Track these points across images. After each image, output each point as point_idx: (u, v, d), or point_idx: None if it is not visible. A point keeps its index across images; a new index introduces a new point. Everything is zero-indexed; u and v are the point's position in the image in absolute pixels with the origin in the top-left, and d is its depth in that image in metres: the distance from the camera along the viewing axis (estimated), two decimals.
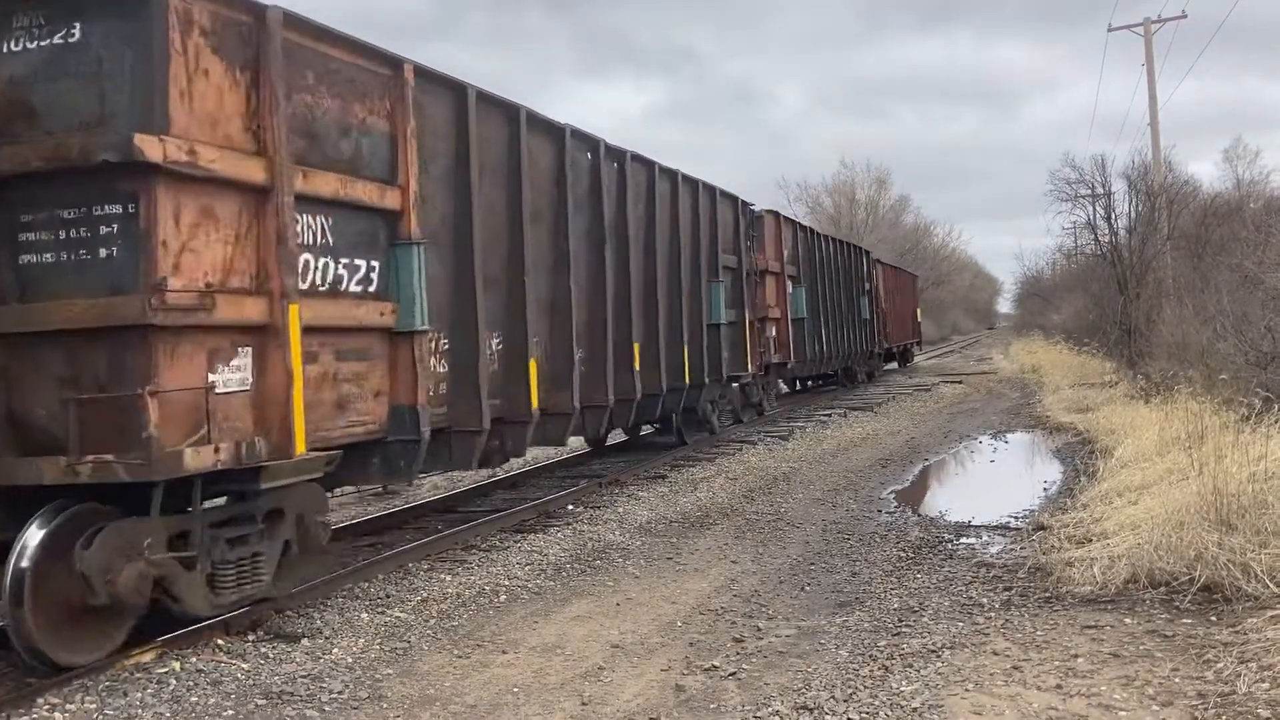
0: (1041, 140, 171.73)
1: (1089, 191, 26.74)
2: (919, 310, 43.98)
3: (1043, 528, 8.85)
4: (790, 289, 20.96)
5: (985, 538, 9.23)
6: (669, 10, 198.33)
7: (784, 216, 21.44)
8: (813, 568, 8.33)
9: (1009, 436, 17.24)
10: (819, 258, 23.69)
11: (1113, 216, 25.63)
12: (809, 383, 27.37)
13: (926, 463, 14.53)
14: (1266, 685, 5.04)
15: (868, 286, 29.34)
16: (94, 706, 5.57)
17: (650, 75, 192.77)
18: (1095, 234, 26.93)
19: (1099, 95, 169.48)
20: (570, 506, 11.34)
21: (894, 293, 35.82)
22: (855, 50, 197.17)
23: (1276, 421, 8.80)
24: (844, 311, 25.88)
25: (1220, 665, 5.42)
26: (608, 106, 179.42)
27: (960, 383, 28.72)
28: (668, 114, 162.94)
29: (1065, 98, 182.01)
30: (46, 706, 5.54)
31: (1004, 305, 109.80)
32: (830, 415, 20.79)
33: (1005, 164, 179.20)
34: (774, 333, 19.60)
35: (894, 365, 37.41)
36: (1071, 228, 34.09)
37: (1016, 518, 10.04)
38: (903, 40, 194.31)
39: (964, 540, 9.14)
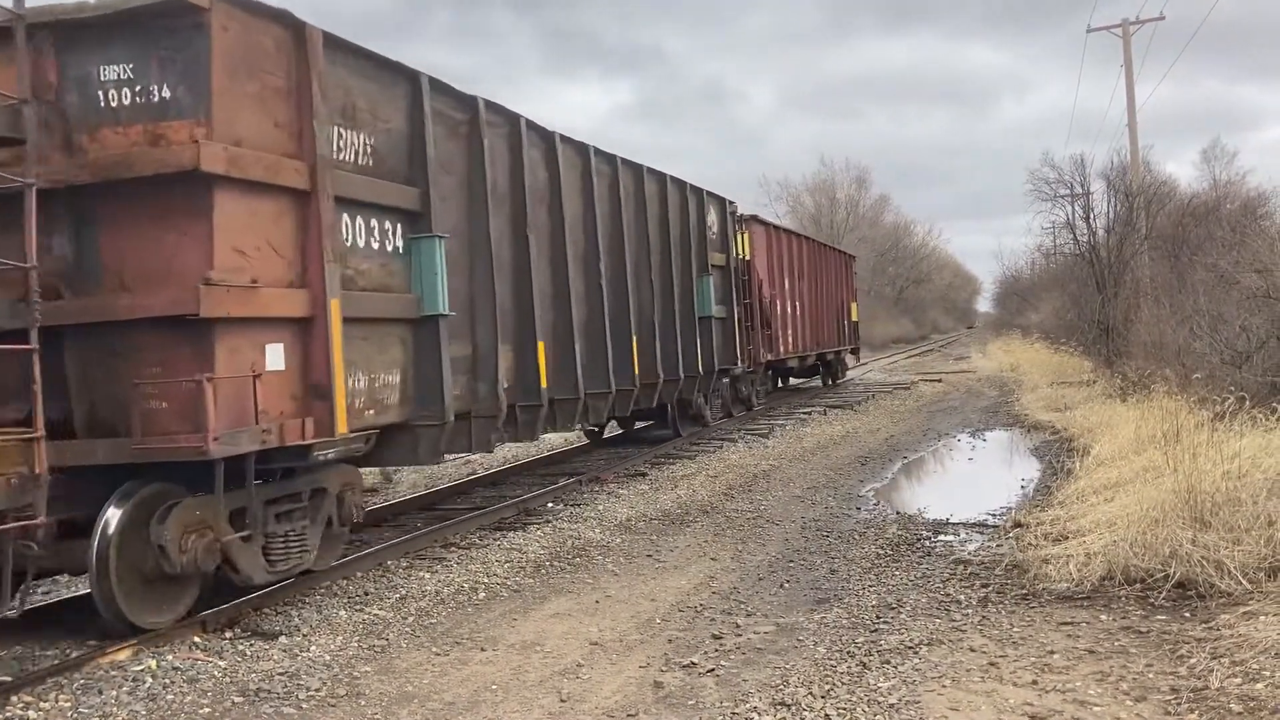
0: (1014, 141, 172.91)
1: (1068, 191, 26.93)
2: (854, 306, 30.25)
3: (1020, 525, 8.90)
4: (377, 238, 8.46)
5: (963, 535, 9.28)
6: (635, 9, 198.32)
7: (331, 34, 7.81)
8: (791, 565, 8.35)
9: (987, 435, 17.33)
10: (541, 180, 11.37)
11: (1091, 216, 25.78)
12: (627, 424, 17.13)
13: (906, 460, 14.59)
14: (1239, 680, 5.08)
15: (721, 260, 17.34)
16: (68, 704, 5.53)
17: (617, 75, 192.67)
18: (1074, 234, 27.09)
19: (1077, 96, 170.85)
20: (550, 504, 11.33)
21: (799, 276, 23.14)
22: (824, 50, 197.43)
23: (1250, 420, 8.88)
24: (650, 303, 14.11)
25: (1194, 661, 5.47)
26: (576, 106, 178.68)
27: (939, 381, 28.83)
28: (636, 113, 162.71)
29: (1036, 99, 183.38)
30: (20, 705, 5.51)
31: (983, 304, 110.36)
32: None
33: (977, 165, 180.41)
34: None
35: (816, 382, 27.99)
36: (1051, 227, 34.37)
37: (994, 515, 10.09)
38: (870, 41, 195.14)
39: (942, 538, 9.18)
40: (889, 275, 70.67)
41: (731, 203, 18.47)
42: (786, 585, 7.72)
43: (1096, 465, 10.35)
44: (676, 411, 16.45)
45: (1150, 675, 5.36)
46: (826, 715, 5.04)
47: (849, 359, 30.63)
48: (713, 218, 17.18)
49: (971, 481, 13.15)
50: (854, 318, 29.82)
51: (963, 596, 7.09)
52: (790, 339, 22.36)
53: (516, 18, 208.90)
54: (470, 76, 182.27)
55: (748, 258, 19.41)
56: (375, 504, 11.90)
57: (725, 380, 18.04)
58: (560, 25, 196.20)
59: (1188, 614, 6.30)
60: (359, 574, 8.35)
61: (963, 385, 27.26)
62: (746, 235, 19.67)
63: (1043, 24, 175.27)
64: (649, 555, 8.86)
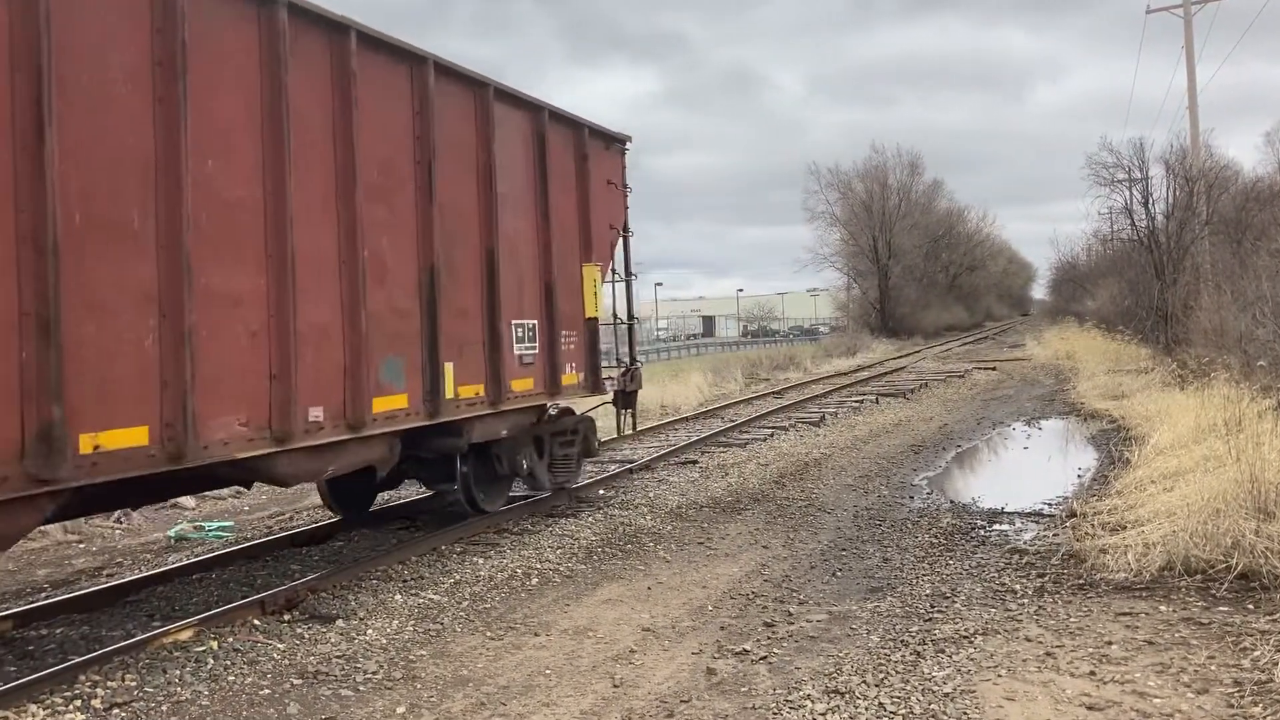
0: (1052, 126, 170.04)
1: (1126, 176, 26.43)
2: (591, 273, 10.35)
3: (1076, 515, 8.79)
4: None
5: (1018, 524, 9.18)
6: None
7: None
8: (844, 553, 8.32)
9: (1043, 423, 17.10)
10: None
11: (1150, 201, 25.30)
12: None
13: (959, 449, 14.45)
14: None
15: None
16: (134, 683, 5.66)
17: (642, 62, 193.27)
18: (1132, 219, 26.61)
19: (1135, 79, 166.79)
20: (602, 491, 11.38)
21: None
22: (848, 36, 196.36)
23: None
24: None
25: (1257, 653, 5.37)
26: (603, 94, 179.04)
27: (994, 369, 28.50)
28: (663, 101, 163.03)
29: (1072, 83, 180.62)
30: (89, 683, 5.65)
31: (1038, 291, 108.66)
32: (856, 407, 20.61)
33: (1018, 151, 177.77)
34: None
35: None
36: (1108, 213, 33.75)
37: (1050, 505, 9.97)
38: (896, 27, 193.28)
39: (996, 527, 9.09)
40: (942, 261, 69.79)
41: None
42: (839, 574, 7.69)
43: (1155, 454, 10.18)
44: None
45: (1212, 667, 5.28)
46: (880, 704, 5.03)
47: (614, 414, 11.88)
48: None
49: (1027, 471, 12.99)
50: (590, 311, 10.55)
51: (1018, 586, 7.02)
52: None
53: (536, 7, 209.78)
54: (498, 67, 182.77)
55: None
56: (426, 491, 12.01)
57: None
58: (581, 14, 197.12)
59: (1251, 606, 6.19)
60: (413, 558, 8.45)
61: (1018, 373, 26.91)
62: None
63: (1071, 7, 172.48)
64: (700, 543, 8.87)
